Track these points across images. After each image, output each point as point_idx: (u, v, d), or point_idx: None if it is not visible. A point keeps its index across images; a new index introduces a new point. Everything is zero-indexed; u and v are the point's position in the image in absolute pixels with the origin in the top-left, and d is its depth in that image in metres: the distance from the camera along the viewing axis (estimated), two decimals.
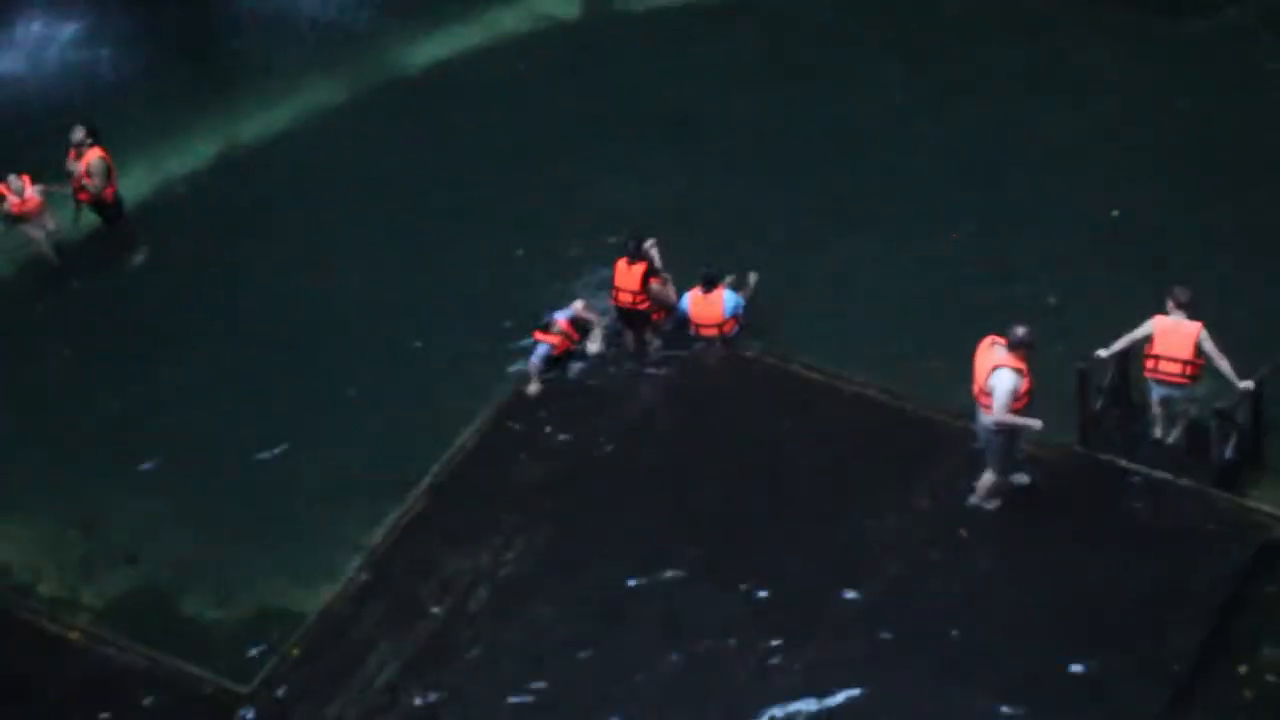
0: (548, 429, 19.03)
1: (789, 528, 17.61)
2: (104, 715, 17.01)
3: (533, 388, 19.49)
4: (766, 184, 22.04)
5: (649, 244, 19.67)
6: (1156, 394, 17.54)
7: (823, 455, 18.34)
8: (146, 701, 17.03)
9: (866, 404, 18.80)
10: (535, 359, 19.51)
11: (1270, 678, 15.88)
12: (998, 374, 16.51)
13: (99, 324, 21.54)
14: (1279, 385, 17.61)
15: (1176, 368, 17.10)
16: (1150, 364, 17.26)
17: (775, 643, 16.61)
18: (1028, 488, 17.47)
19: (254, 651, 17.36)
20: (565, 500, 18.26)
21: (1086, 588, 16.65)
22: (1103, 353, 17.47)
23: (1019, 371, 16.51)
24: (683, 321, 19.72)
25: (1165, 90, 22.32)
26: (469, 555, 17.81)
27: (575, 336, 19.74)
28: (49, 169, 22.31)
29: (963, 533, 17.28)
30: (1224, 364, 16.96)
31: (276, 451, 19.42)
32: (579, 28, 25.19)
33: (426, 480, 18.69)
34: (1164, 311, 17.13)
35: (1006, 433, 16.79)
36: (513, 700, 16.54)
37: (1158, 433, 17.77)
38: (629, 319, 19.70)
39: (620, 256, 19.51)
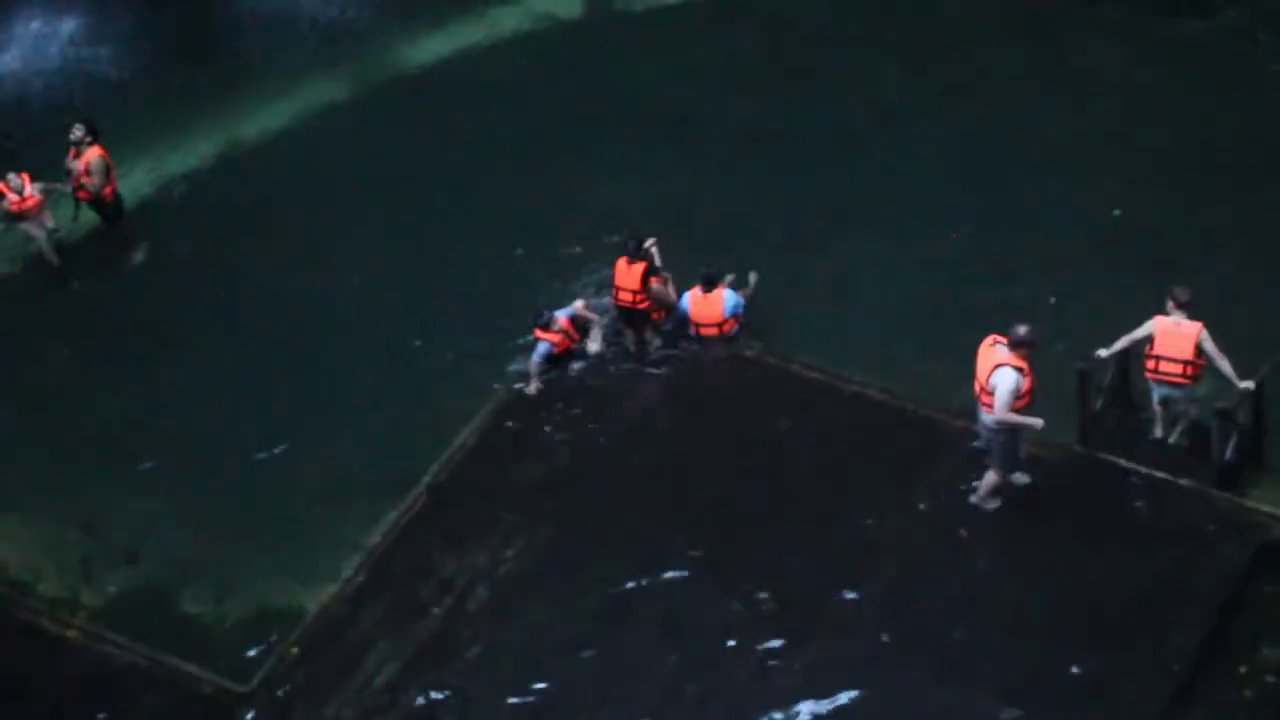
0: (548, 429, 19.03)
1: (789, 528, 17.61)
2: (103, 715, 17.03)
3: (532, 387, 19.49)
4: (766, 184, 22.02)
5: (649, 243, 19.67)
6: (1157, 394, 17.54)
7: (823, 455, 18.34)
8: (145, 701, 17.06)
9: (866, 404, 18.80)
10: (536, 357, 19.51)
11: (1270, 678, 15.89)
12: (999, 373, 16.50)
13: (99, 324, 21.53)
14: (1279, 385, 17.59)
15: (1177, 368, 17.10)
16: (1151, 365, 17.25)
17: (775, 643, 16.62)
18: (1028, 487, 17.47)
19: (253, 651, 17.38)
20: (565, 500, 18.26)
21: (1086, 588, 16.66)
22: (1103, 353, 17.47)
23: (1020, 370, 16.51)
24: (682, 321, 19.72)
25: (1165, 90, 22.31)
26: (468, 555, 17.81)
27: (575, 336, 19.74)
28: (49, 167, 22.30)
29: (963, 533, 17.28)
30: (1224, 364, 16.95)
31: (276, 451, 19.43)
32: (579, 28, 25.17)
33: (426, 480, 18.69)
34: (1164, 312, 17.12)
35: (1008, 432, 16.78)
36: (512, 700, 16.54)
37: (1158, 433, 17.77)
38: (629, 318, 19.70)
39: (620, 256, 19.50)
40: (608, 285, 19.76)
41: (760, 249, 20.72)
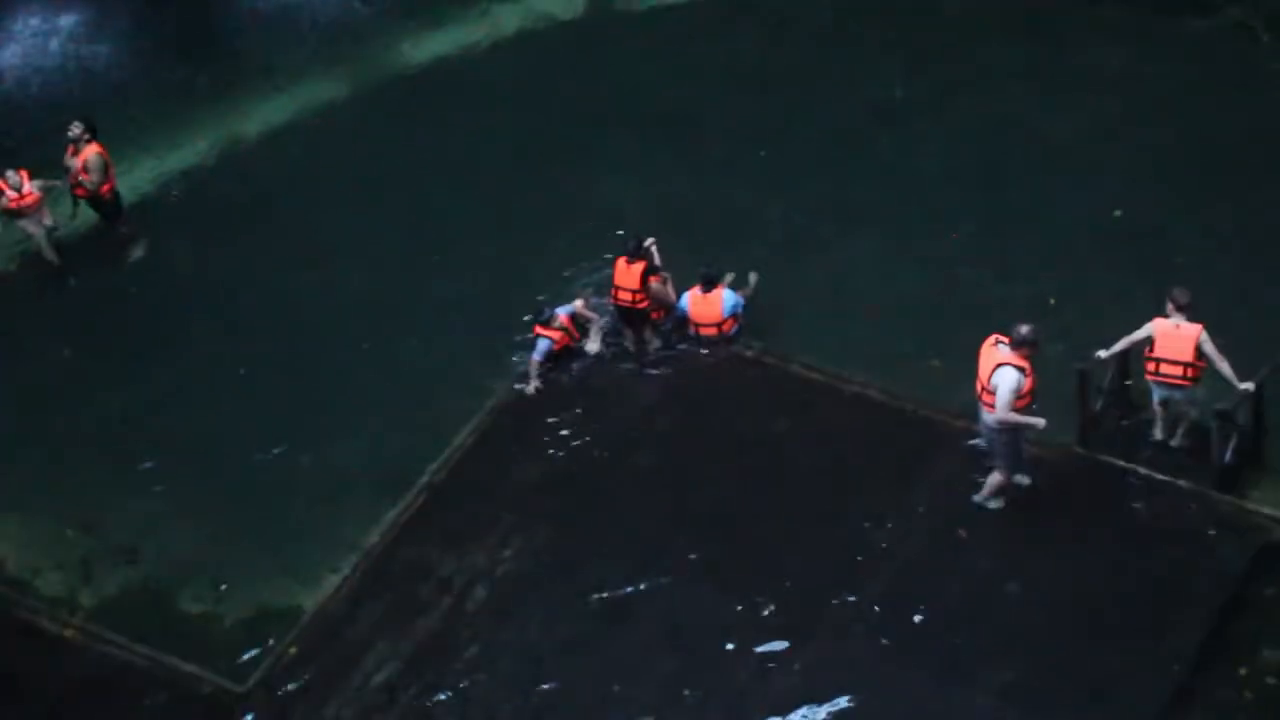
0: (546, 428, 19.01)
1: (788, 528, 17.61)
2: (101, 714, 17.06)
3: (532, 386, 19.48)
4: (766, 184, 22.01)
5: (648, 243, 19.66)
6: (1157, 395, 17.52)
7: (822, 455, 18.34)
8: (143, 701, 17.06)
9: (866, 404, 18.80)
10: (536, 355, 19.50)
11: (1270, 679, 15.87)
12: (1000, 372, 16.50)
13: (98, 323, 21.54)
14: (1279, 386, 17.58)
15: (1178, 370, 17.07)
16: (1151, 367, 17.22)
17: (775, 643, 16.63)
18: (1028, 488, 17.45)
19: (251, 651, 17.37)
20: (564, 500, 18.26)
21: (1086, 589, 16.65)
22: (1102, 354, 17.45)
23: (1022, 370, 16.50)
24: (682, 321, 19.71)
25: (1165, 89, 22.29)
26: (467, 555, 17.82)
27: (575, 334, 19.74)
28: (49, 165, 22.30)
29: (962, 533, 17.28)
30: (1224, 365, 16.93)
31: (275, 451, 19.42)
32: (579, 28, 25.16)
33: (424, 479, 18.70)
34: (1164, 313, 17.09)
35: (1009, 431, 16.77)
36: (511, 700, 16.53)
37: (1158, 434, 17.75)
38: (628, 318, 19.69)
39: (620, 256, 19.49)
40: (607, 285, 19.74)
41: (760, 249, 20.72)
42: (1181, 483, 17.34)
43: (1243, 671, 16.01)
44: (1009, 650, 16.26)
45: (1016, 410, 16.56)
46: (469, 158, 23.07)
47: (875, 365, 19.12)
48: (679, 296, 19.65)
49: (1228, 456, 17.28)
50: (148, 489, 19.29)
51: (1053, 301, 19.46)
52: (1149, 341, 17.10)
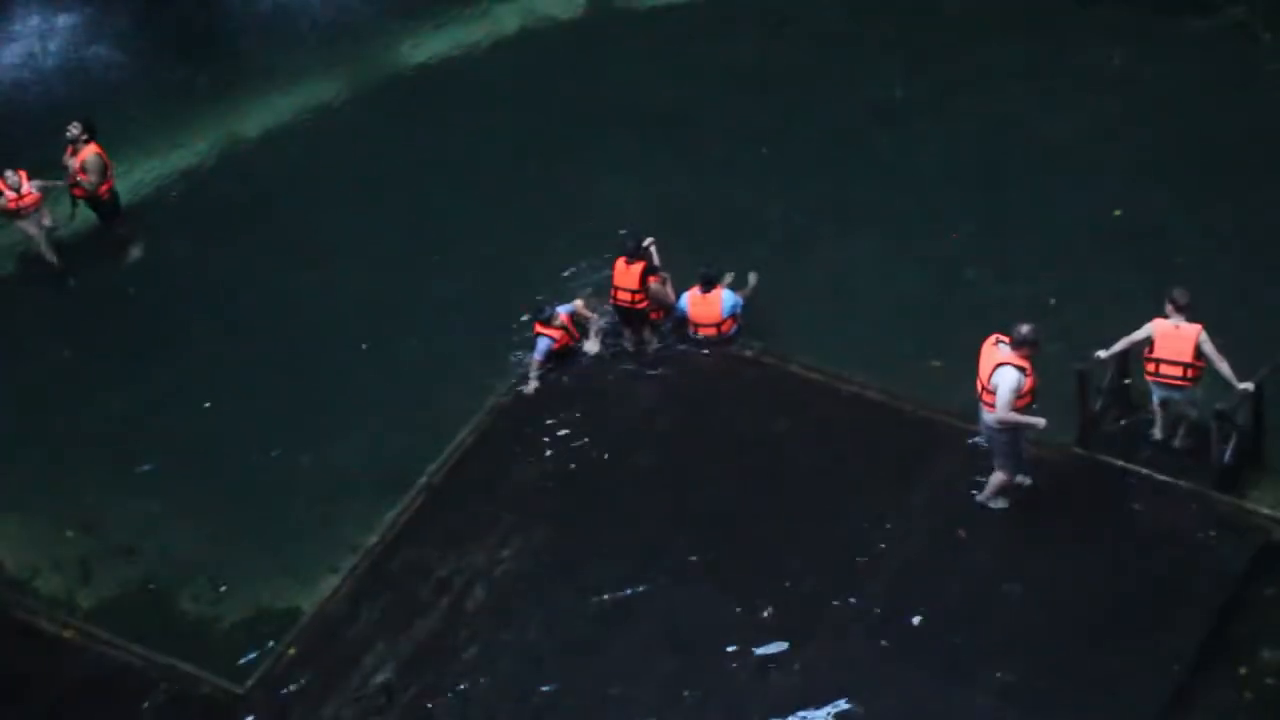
0: (546, 429, 19.00)
1: (788, 528, 17.60)
2: (100, 715, 17.06)
3: (531, 386, 19.47)
4: (766, 184, 22.00)
5: (647, 242, 19.65)
6: (1156, 396, 17.50)
7: (822, 455, 18.33)
8: (143, 701, 17.05)
9: (866, 404, 18.78)
10: (537, 355, 19.49)
11: (1269, 680, 15.87)
12: (1001, 371, 16.48)
13: (99, 324, 21.54)
14: (1279, 387, 17.57)
15: (1177, 371, 17.06)
16: (1151, 368, 17.20)
17: (774, 643, 16.62)
18: (1028, 488, 17.44)
19: (251, 651, 17.37)
20: (563, 500, 18.26)
21: (1086, 588, 16.64)
22: (1102, 354, 17.43)
23: (1022, 370, 16.49)
24: (681, 321, 19.70)
25: (1165, 90, 22.27)
26: (466, 555, 17.81)
27: (575, 334, 19.73)
28: (49, 165, 22.30)
29: (961, 533, 17.27)
30: (1224, 366, 16.91)
31: (275, 451, 19.43)
32: (579, 28, 25.15)
33: (424, 479, 18.70)
34: (1163, 313, 17.07)
35: (1010, 431, 16.76)
36: (510, 701, 16.52)
37: (1157, 434, 17.74)
38: (627, 318, 19.68)
39: (619, 256, 19.48)
40: (606, 286, 19.72)
41: (760, 249, 20.71)
42: (1181, 483, 17.32)
43: (1242, 671, 16.01)
44: (1009, 650, 16.25)
45: (1017, 410, 16.55)
46: (469, 158, 23.06)
47: (875, 365, 19.11)
48: (678, 297, 19.63)
49: (1227, 457, 17.25)
50: (147, 489, 19.30)
51: (1052, 302, 19.44)
52: (1148, 342, 17.08)
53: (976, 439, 17.50)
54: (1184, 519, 17.08)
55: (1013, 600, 16.68)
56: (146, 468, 19.54)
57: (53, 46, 26.26)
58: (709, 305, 19.43)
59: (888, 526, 17.42)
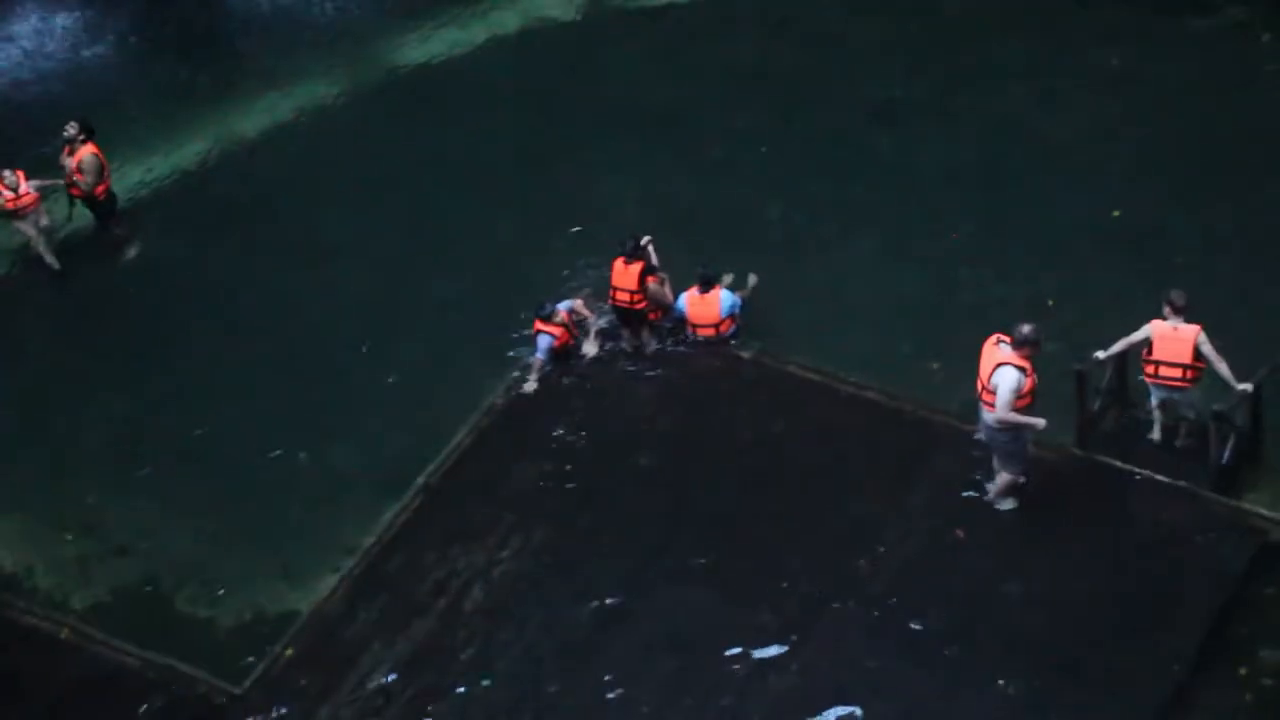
0: (544, 428, 18.99)
1: (788, 529, 17.58)
2: (98, 715, 17.04)
3: (530, 386, 19.47)
4: (766, 184, 22.00)
5: (644, 241, 19.62)
6: (1155, 397, 17.49)
7: (821, 456, 18.31)
8: (141, 702, 17.02)
9: (865, 404, 18.77)
10: (539, 353, 19.48)
11: (1268, 680, 15.85)
12: (1001, 371, 16.47)
13: (98, 324, 21.54)
14: (1278, 388, 17.55)
15: (1177, 372, 17.04)
16: (1150, 369, 17.19)
17: (774, 644, 16.59)
18: (1026, 488, 17.41)
19: (249, 652, 17.35)
20: (562, 500, 18.24)
21: (1086, 589, 16.62)
22: (1100, 355, 17.42)
23: (1023, 370, 16.47)
24: (680, 321, 19.69)
25: (1165, 90, 22.27)
26: (464, 555, 17.79)
27: (575, 332, 19.72)
28: (48, 165, 22.32)
29: (960, 534, 17.24)
30: (1222, 367, 16.89)
31: (273, 451, 19.42)
32: (579, 28, 25.15)
33: (422, 480, 18.68)
34: (1162, 314, 17.05)
35: (1010, 431, 16.74)
36: (509, 702, 16.50)
37: (1155, 435, 17.72)
38: (626, 318, 19.67)
39: (618, 256, 19.47)
40: (605, 285, 19.70)
41: (759, 249, 20.70)
42: (1180, 483, 17.30)
43: (1242, 672, 16.00)
44: (1008, 651, 16.23)
45: (1017, 410, 16.53)
46: (469, 158, 23.06)
47: (874, 365, 19.10)
48: (676, 297, 19.62)
49: (1226, 457, 17.25)
50: (146, 490, 19.31)
51: (1051, 303, 19.43)
52: (1147, 344, 17.07)
53: (978, 436, 17.45)
54: (1183, 519, 17.07)
55: (1012, 600, 16.65)
56: (146, 468, 19.54)
57: (52, 46, 26.27)
58: (707, 306, 19.42)
59: (887, 527, 17.40)
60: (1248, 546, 16.81)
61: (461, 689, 16.65)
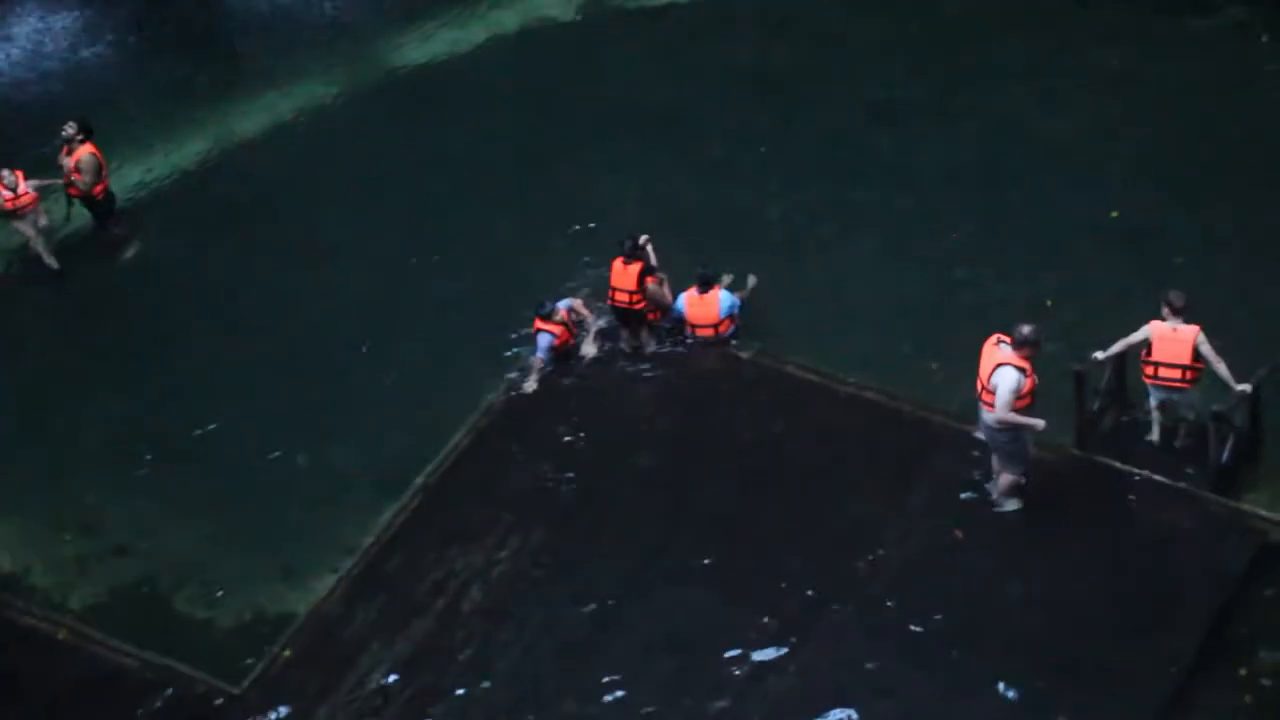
0: (544, 429, 18.97)
1: (787, 529, 17.56)
2: (96, 715, 17.02)
3: (529, 385, 19.45)
4: (766, 184, 22.00)
5: (643, 240, 19.60)
6: (1154, 398, 17.47)
7: (820, 456, 18.29)
8: (139, 702, 16.99)
9: (864, 405, 18.75)
10: (540, 352, 19.47)
11: (1267, 681, 15.83)
12: (1000, 372, 16.45)
13: (98, 324, 21.53)
14: (1277, 388, 17.53)
15: (1176, 374, 17.03)
16: (1149, 371, 17.17)
17: (773, 644, 16.57)
18: (1021, 487, 17.39)
19: (247, 652, 17.31)
20: (561, 501, 18.22)
21: (1083, 589, 16.60)
22: (1099, 355, 17.41)
23: (1022, 370, 16.45)
24: (679, 322, 19.67)
25: (1165, 90, 22.26)
26: (463, 555, 17.77)
27: (574, 330, 19.71)
28: (48, 165, 22.31)
29: (959, 534, 17.23)
30: (1221, 367, 16.88)
31: (272, 451, 19.41)
32: (578, 28, 25.16)
33: (421, 479, 18.66)
34: (1161, 315, 17.04)
35: (1010, 431, 16.73)
36: (507, 702, 16.47)
37: (1154, 436, 17.70)
38: (625, 319, 19.65)
39: (616, 256, 19.45)
40: (603, 286, 19.68)
41: (758, 249, 20.71)
42: (1179, 484, 17.29)
43: (1241, 673, 15.98)
44: (1008, 651, 16.21)
45: (1017, 410, 16.51)
46: (469, 158, 23.06)
47: (873, 366, 19.08)
48: (675, 297, 19.61)
49: (1225, 458, 17.24)
50: (146, 490, 19.29)
51: (1050, 303, 19.42)
52: (1146, 345, 17.05)
53: (979, 434, 17.44)
54: (1182, 520, 17.05)
55: (1012, 601, 16.64)
56: (145, 468, 19.52)
57: (51, 46, 26.28)
58: (706, 306, 19.40)
59: (886, 527, 17.38)
60: (1247, 547, 16.79)
61: (460, 690, 16.61)
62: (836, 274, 20.49)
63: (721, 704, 16.16)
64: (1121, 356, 17.49)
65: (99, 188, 22.22)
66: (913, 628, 16.50)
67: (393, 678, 16.79)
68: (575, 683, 16.52)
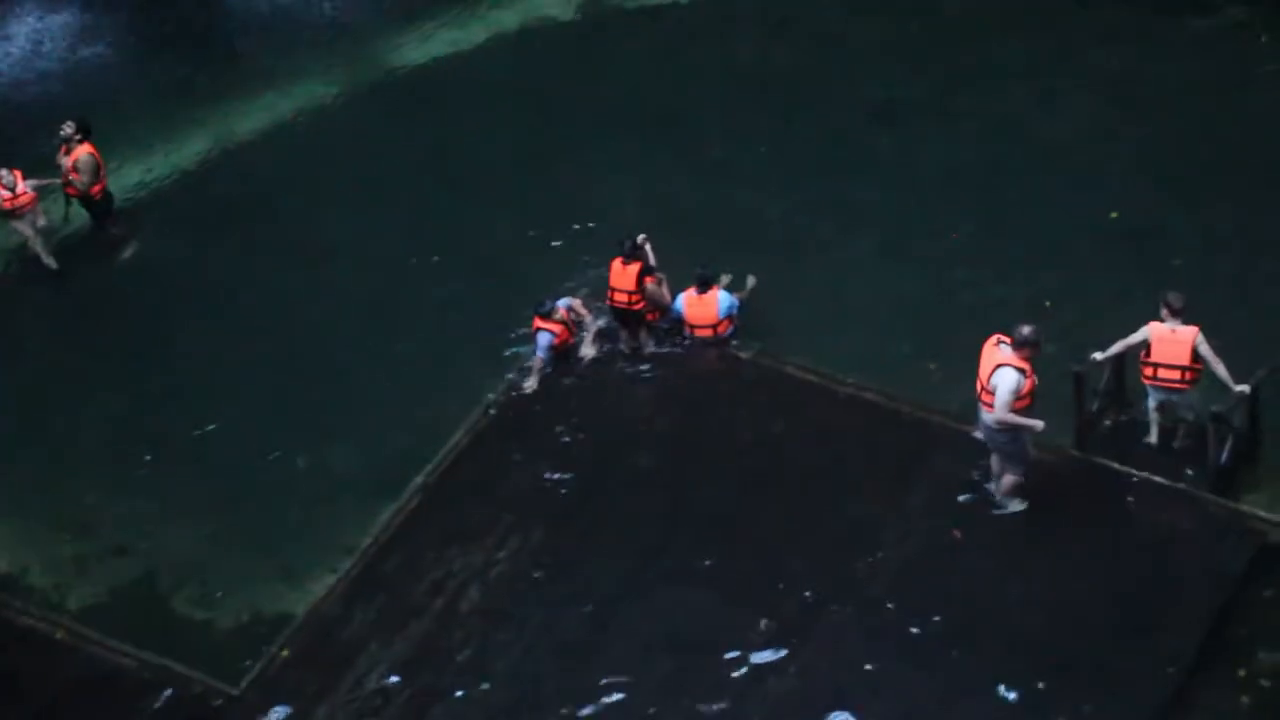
0: (543, 430, 18.96)
1: (787, 529, 17.55)
2: (94, 715, 17.01)
3: (530, 384, 19.44)
4: (766, 184, 21.99)
5: (641, 239, 19.59)
6: (1154, 398, 17.46)
7: (820, 457, 18.28)
8: (138, 702, 16.98)
9: (863, 405, 18.74)
10: (540, 352, 19.45)
11: (1266, 682, 15.83)
12: (1000, 372, 16.44)
13: (97, 324, 21.53)
14: (1276, 389, 17.52)
15: (1175, 374, 17.03)
16: (1149, 372, 17.17)
17: (772, 645, 16.56)
18: (1021, 486, 17.41)
19: (245, 652, 17.30)
20: (560, 501, 18.21)
21: (1083, 590, 16.60)
22: (1098, 356, 17.41)
23: (1022, 371, 16.44)
24: (678, 322, 19.66)
25: (1165, 90, 22.26)
26: (462, 555, 17.76)
27: (574, 329, 19.70)
28: (47, 165, 22.30)
29: (957, 534, 17.22)
30: (1220, 368, 16.88)
31: (271, 452, 19.39)
32: (578, 28, 25.16)
33: (420, 479, 18.65)
34: (1160, 316, 17.03)
35: (1009, 432, 16.72)
36: (506, 703, 16.46)
37: (1153, 437, 17.69)
38: (624, 319, 19.64)
39: (615, 257, 19.44)
40: (602, 286, 19.67)
41: (758, 249, 20.69)
42: (1177, 485, 17.29)
43: (1241, 673, 15.98)
44: (1007, 652, 16.20)
45: (1016, 411, 16.50)
46: (469, 158, 23.06)
47: (873, 366, 19.08)
48: (674, 298, 19.59)
49: (1224, 459, 17.23)
50: (145, 490, 19.28)
51: (1049, 304, 19.41)
52: (1145, 345, 17.04)
53: (977, 434, 17.43)
54: (1181, 521, 17.05)
55: (1012, 601, 16.62)
56: (144, 468, 19.51)
57: (50, 46, 26.27)
58: (705, 306, 19.39)
59: (886, 528, 17.37)
60: (1246, 548, 16.79)
61: (459, 690, 16.60)
62: (836, 274, 20.49)
63: (721, 705, 16.15)
64: (1120, 357, 17.49)
65: (97, 188, 22.22)
66: (912, 628, 16.49)
67: (391, 678, 16.78)
68: (575, 683, 16.51)
